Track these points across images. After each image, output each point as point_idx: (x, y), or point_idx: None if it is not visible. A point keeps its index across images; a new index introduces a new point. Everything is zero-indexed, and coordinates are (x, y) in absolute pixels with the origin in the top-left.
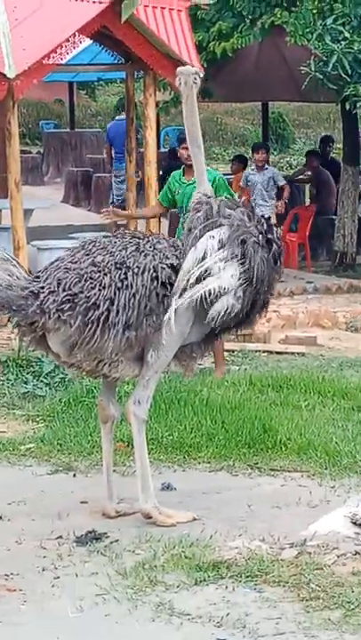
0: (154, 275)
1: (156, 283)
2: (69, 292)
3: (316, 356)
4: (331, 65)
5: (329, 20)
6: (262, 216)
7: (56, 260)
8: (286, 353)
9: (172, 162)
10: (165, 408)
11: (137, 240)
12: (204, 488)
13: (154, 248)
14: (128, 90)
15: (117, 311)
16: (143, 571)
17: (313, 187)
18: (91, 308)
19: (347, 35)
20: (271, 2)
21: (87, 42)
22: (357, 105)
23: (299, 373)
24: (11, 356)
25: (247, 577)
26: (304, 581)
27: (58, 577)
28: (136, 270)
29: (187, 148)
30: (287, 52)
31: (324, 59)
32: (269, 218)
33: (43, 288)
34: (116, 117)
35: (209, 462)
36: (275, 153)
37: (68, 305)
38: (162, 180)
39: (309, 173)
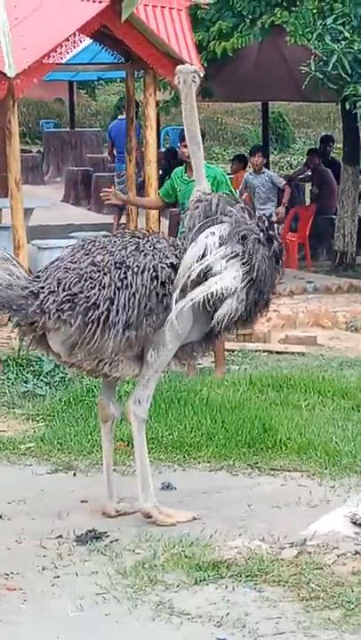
0: (154, 274)
1: (155, 282)
2: (69, 292)
3: (316, 356)
4: (331, 65)
5: (329, 20)
6: (263, 214)
7: (56, 260)
8: (286, 353)
9: (170, 161)
10: (165, 407)
11: (137, 239)
12: (204, 487)
13: (153, 247)
14: (128, 89)
15: (117, 311)
16: (143, 570)
17: (316, 186)
18: (91, 308)
19: (347, 34)
20: (271, 1)
21: (87, 41)
22: (357, 104)
23: (299, 373)
24: (11, 355)
25: (247, 576)
26: (304, 581)
27: (58, 576)
28: (136, 270)
29: (187, 146)
30: (287, 52)
31: (325, 58)
32: (271, 215)
33: (43, 288)
34: (118, 117)
35: (209, 462)
36: (275, 153)
37: (68, 305)
38: (161, 180)
39: (310, 173)
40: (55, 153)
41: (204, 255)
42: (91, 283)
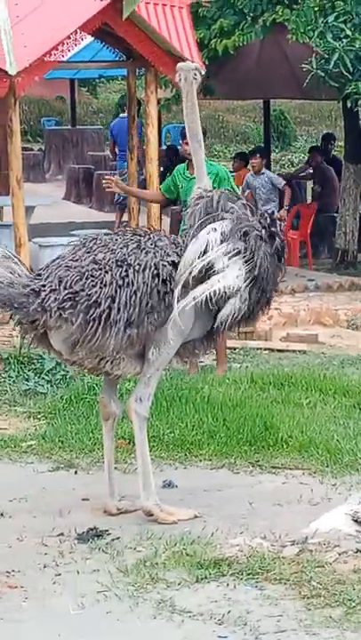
0: (155, 272)
1: (157, 280)
2: (71, 291)
3: (318, 354)
4: (332, 62)
5: (330, 18)
6: (265, 211)
7: (57, 258)
8: (288, 351)
9: (171, 159)
10: (167, 405)
11: (138, 237)
12: (206, 485)
13: (155, 245)
14: (129, 87)
15: (119, 309)
16: (144, 568)
17: (318, 185)
18: (92, 306)
19: (348, 32)
20: None
21: (88, 39)
22: (359, 102)
23: (300, 371)
24: (12, 353)
25: (248, 574)
26: (305, 579)
27: (59, 574)
28: (137, 268)
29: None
30: (289, 50)
31: (326, 56)
32: (273, 212)
33: (44, 286)
34: (120, 115)
35: (210, 460)
36: (276, 151)
37: (70, 303)
38: (162, 177)
39: (311, 171)
40: (56, 151)
41: (205, 251)
42: (92, 281)
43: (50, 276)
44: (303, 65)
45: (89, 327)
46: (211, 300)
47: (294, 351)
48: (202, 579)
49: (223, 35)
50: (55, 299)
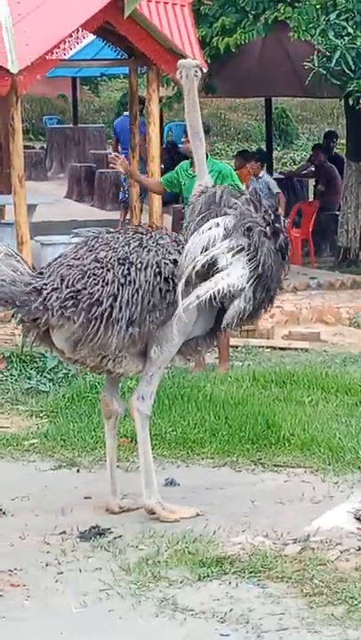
0: (157, 270)
1: (159, 278)
2: (73, 289)
3: (320, 352)
4: (334, 60)
5: (332, 16)
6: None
7: (59, 257)
8: (290, 349)
9: (173, 156)
10: (169, 404)
11: (140, 235)
12: (208, 484)
13: (157, 243)
14: (131, 85)
15: (121, 307)
16: (147, 566)
17: (321, 184)
18: (94, 305)
19: (350, 30)
20: None
21: (90, 37)
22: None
23: (302, 369)
24: (14, 352)
25: (250, 572)
26: (307, 577)
27: (61, 572)
28: (139, 266)
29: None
30: (290, 48)
31: (328, 54)
32: (277, 209)
33: (46, 284)
34: (124, 113)
35: (212, 458)
36: (278, 149)
37: (72, 302)
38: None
39: (313, 169)
40: (58, 149)
41: (207, 247)
42: (94, 279)
43: (52, 274)
44: (305, 63)
45: (91, 326)
46: (215, 298)
47: (296, 349)
48: (204, 577)
49: (225, 33)
50: (57, 297)
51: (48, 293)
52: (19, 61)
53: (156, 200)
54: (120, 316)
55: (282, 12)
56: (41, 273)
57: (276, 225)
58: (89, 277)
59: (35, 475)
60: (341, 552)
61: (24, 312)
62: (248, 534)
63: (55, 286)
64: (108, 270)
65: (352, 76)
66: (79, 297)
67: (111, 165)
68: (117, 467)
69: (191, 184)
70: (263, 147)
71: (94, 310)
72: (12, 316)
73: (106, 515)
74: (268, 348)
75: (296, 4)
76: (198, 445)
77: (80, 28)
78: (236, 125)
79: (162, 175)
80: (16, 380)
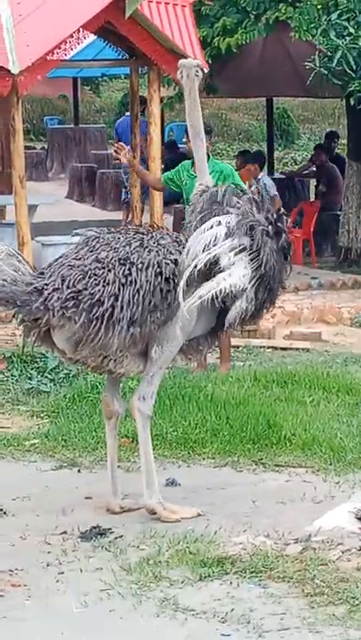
0: (158, 270)
1: (160, 278)
2: (73, 289)
3: (321, 352)
4: (335, 60)
5: (334, 16)
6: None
7: (60, 257)
8: (291, 349)
9: (171, 155)
10: (170, 404)
11: (141, 236)
12: (209, 484)
13: (158, 244)
14: (132, 86)
15: (122, 307)
16: (148, 566)
17: (323, 184)
18: (95, 305)
19: (351, 30)
20: None
21: (91, 37)
22: None
23: (303, 369)
24: (15, 352)
25: (252, 572)
26: (309, 577)
27: (62, 572)
28: (140, 266)
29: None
30: (292, 48)
31: (329, 54)
32: (279, 209)
33: (47, 285)
34: (127, 113)
35: (213, 458)
36: (279, 149)
37: (73, 302)
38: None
39: (314, 169)
40: (59, 149)
41: (209, 245)
42: (95, 279)
43: (53, 274)
44: (306, 63)
45: (92, 326)
46: (216, 298)
47: (298, 349)
48: (205, 577)
49: (226, 33)
50: (58, 298)
51: (49, 294)
52: (20, 62)
53: (158, 200)
54: (121, 317)
55: (283, 12)
56: (42, 273)
57: (279, 225)
58: (90, 278)
59: (36, 475)
60: (343, 552)
61: (25, 312)
62: (249, 534)
63: (56, 286)
64: (109, 270)
65: (353, 76)
66: (80, 297)
67: (114, 154)
68: (118, 467)
69: (193, 184)
70: (264, 147)
71: (95, 310)
72: (13, 316)
73: (107, 515)
74: (269, 348)
75: (297, 4)
76: (199, 445)
77: (81, 29)
78: (237, 125)
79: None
80: (17, 380)
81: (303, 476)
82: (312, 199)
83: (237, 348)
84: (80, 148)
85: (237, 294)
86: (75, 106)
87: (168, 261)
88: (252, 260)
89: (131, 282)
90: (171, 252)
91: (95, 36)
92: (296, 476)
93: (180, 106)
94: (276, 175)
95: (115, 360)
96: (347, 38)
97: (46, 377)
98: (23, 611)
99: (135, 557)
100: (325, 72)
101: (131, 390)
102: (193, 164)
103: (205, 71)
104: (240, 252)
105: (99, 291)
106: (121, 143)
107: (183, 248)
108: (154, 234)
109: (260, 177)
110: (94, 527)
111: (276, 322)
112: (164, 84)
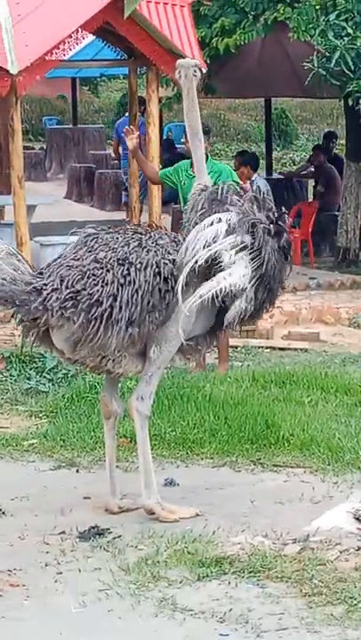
0: (156, 270)
1: (158, 278)
2: (72, 290)
3: (319, 352)
4: (334, 61)
5: (332, 16)
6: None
7: (59, 257)
8: (289, 349)
9: (168, 154)
10: (168, 404)
11: (139, 236)
12: (207, 484)
13: (156, 244)
14: (131, 86)
15: (120, 307)
16: (146, 566)
17: (321, 185)
18: (94, 305)
19: (350, 31)
20: None
21: (90, 37)
22: (360, 101)
23: (302, 369)
24: (14, 352)
25: (250, 572)
26: (307, 577)
27: (61, 572)
28: (139, 266)
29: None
30: (290, 48)
31: (327, 55)
32: (280, 208)
33: (46, 285)
34: (126, 114)
35: (212, 458)
36: (278, 149)
37: (71, 302)
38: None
39: (312, 169)
40: (58, 150)
41: (210, 241)
42: (94, 280)
43: (51, 275)
44: (305, 63)
45: (91, 326)
46: (216, 297)
47: (296, 349)
48: (203, 577)
49: (224, 33)
50: (57, 298)
51: (48, 294)
52: (18, 62)
53: (156, 200)
54: (120, 317)
55: (281, 12)
56: (41, 273)
57: (280, 223)
58: (88, 278)
59: (34, 475)
60: (341, 552)
61: (24, 312)
62: (247, 534)
63: (55, 287)
64: (108, 271)
65: (352, 76)
66: (79, 297)
67: (123, 136)
68: (117, 467)
69: (191, 184)
70: (263, 147)
71: (94, 311)
72: (12, 315)
73: (105, 515)
74: (267, 348)
75: (296, 5)
76: (198, 445)
77: (80, 29)
78: (235, 126)
79: None
80: (15, 380)
81: (301, 476)
82: (310, 199)
83: (236, 348)
84: (79, 149)
85: (237, 294)
86: (73, 106)
87: (166, 261)
88: (252, 259)
89: (129, 282)
90: (169, 252)
91: (94, 37)
92: (294, 477)
93: (179, 106)
94: (275, 175)
95: (113, 360)
96: (345, 39)
97: (45, 377)
98: (21, 611)
99: (134, 557)
100: (324, 72)
101: (129, 390)
102: (192, 164)
103: (204, 71)
104: (241, 249)
105: (97, 291)
106: (133, 127)
107: None
108: (152, 234)
109: (253, 179)
110: (93, 527)
111: (274, 322)
112: (163, 85)
